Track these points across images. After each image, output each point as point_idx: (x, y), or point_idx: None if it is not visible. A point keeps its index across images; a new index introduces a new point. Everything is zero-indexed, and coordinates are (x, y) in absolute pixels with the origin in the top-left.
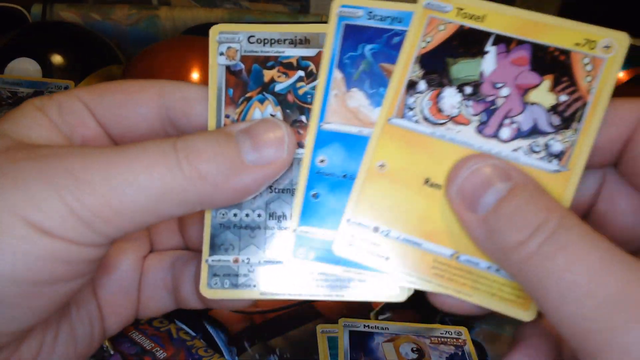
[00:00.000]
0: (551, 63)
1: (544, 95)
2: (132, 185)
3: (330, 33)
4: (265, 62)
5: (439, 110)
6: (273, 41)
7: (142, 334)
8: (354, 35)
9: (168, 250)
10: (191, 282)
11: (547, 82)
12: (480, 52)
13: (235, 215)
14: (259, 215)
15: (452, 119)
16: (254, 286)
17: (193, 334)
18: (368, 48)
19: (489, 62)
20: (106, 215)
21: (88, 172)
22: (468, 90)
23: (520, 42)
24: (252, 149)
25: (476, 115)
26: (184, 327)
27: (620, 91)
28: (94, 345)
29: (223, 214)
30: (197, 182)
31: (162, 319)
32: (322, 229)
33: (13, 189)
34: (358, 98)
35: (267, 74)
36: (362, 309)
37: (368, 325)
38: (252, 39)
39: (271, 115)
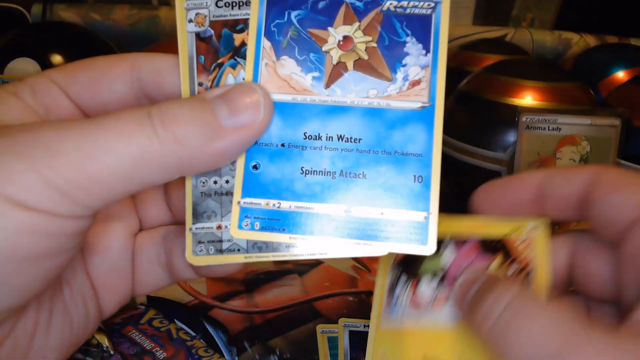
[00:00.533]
0: (494, 248)
1: (497, 271)
2: (106, 151)
3: (254, 2)
4: (235, 25)
5: (419, 300)
6: (241, 3)
7: (142, 334)
8: (279, 2)
9: (158, 226)
10: (183, 254)
11: (497, 260)
12: (439, 253)
13: (215, 182)
14: None
15: (431, 304)
16: (238, 250)
17: (193, 334)
18: (294, 14)
19: (447, 256)
20: (83, 184)
21: (61, 142)
22: (436, 280)
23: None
24: (228, 113)
25: (447, 299)
26: (184, 327)
27: (620, 91)
28: (91, 326)
29: (203, 182)
30: (174, 147)
31: (162, 318)
32: (264, 199)
33: None
34: (289, 65)
35: (238, 38)
36: (362, 309)
37: (368, 325)
38: (219, 3)
39: (243, 79)
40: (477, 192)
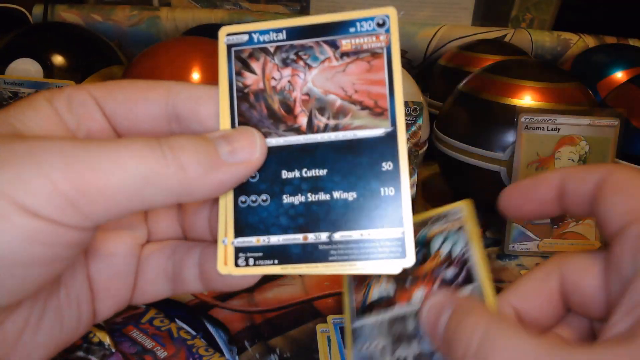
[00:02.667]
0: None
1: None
2: (119, 167)
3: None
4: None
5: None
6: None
7: (143, 333)
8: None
9: (166, 240)
10: (194, 267)
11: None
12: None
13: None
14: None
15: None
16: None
17: (193, 333)
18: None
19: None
20: (92, 195)
21: (77, 151)
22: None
23: None
24: (228, 150)
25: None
26: (184, 326)
27: (619, 91)
28: (82, 327)
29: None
30: (179, 172)
31: (163, 318)
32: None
33: (2, 169)
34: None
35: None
36: None
37: None
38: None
39: None
40: (503, 195)
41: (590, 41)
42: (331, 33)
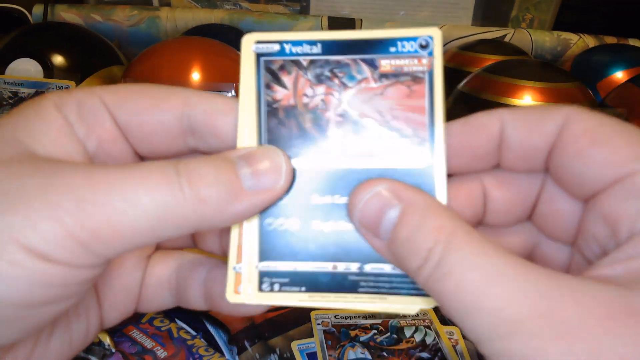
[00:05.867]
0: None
1: None
2: (134, 206)
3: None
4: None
5: None
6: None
7: (143, 333)
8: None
9: (174, 249)
10: (199, 287)
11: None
12: None
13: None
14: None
15: None
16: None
17: (194, 333)
18: None
19: None
20: (105, 236)
21: (91, 192)
22: None
23: None
24: (250, 176)
25: None
26: (184, 326)
27: (619, 91)
28: (89, 339)
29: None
30: (198, 206)
31: (163, 318)
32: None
33: (12, 209)
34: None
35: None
36: None
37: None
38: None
39: None
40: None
41: (590, 41)
42: (370, 51)
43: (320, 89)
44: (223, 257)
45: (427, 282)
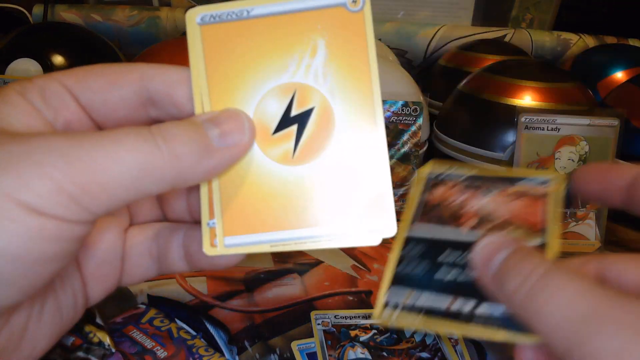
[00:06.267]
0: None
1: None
2: (117, 162)
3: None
4: None
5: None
6: None
7: (143, 333)
8: None
9: (148, 222)
10: (178, 249)
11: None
12: None
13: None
14: None
15: None
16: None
17: (193, 333)
18: None
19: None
20: (92, 191)
21: (75, 150)
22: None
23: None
24: (218, 135)
25: None
26: (184, 326)
27: (619, 91)
28: (78, 314)
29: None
30: (174, 161)
31: (163, 318)
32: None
33: (3, 172)
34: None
35: None
36: (362, 309)
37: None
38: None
39: None
40: (579, 169)
41: (590, 41)
42: (506, 181)
43: (464, 196)
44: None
45: (523, 300)
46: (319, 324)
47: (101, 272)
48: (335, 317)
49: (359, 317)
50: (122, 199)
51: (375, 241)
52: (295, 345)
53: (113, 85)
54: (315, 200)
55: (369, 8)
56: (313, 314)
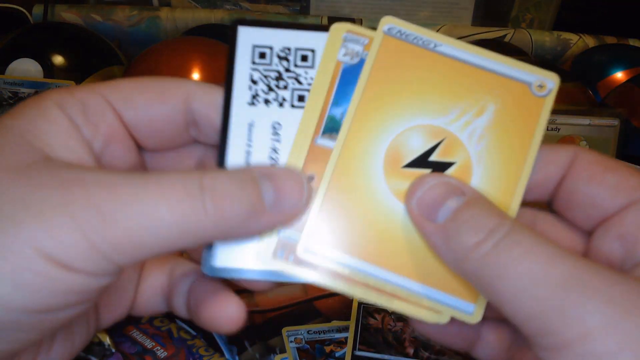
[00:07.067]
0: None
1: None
2: (155, 221)
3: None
4: None
5: None
6: None
7: (143, 333)
8: None
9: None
10: (183, 297)
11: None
12: None
13: None
14: None
15: None
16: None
17: (193, 333)
18: None
19: None
20: (126, 250)
21: (112, 205)
22: None
23: None
24: (274, 196)
25: None
26: (184, 326)
27: (619, 91)
28: (88, 340)
29: None
30: (218, 222)
31: (163, 318)
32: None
33: (35, 221)
34: None
35: None
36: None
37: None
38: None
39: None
40: None
41: (590, 41)
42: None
43: (400, 324)
44: None
45: (485, 257)
46: (291, 342)
47: (114, 301)
48: (308, 332)
49: (332, 330)
50: (154, 254)
51: (445, 320)
52: (285, 332)
53: (159, 102)
54: (415, 252)
55: (553, 97)
56: (284, 331)
